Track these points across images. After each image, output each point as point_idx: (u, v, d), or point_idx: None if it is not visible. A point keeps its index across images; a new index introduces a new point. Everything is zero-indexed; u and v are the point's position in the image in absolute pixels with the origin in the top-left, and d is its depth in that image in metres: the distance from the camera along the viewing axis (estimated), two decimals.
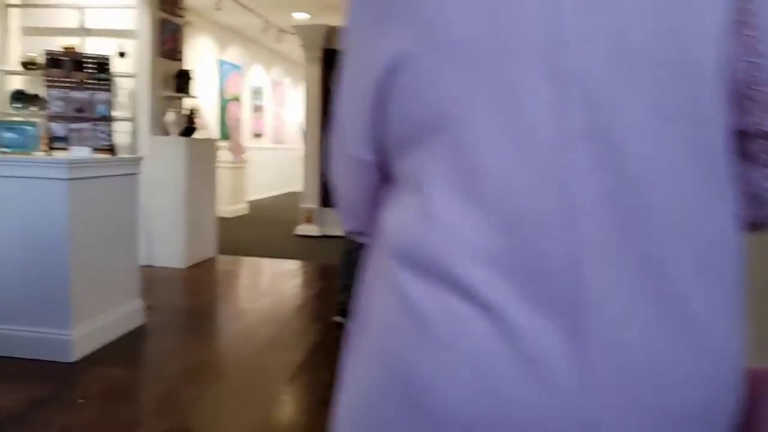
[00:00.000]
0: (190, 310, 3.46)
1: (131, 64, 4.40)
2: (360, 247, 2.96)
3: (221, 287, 4.20)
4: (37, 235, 2.45)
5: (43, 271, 2.46)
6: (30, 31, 4.36)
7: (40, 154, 2.61)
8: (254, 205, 9.13)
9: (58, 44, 3.88)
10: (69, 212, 2.43)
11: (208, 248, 4.95)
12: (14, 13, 4.37)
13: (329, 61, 6.45)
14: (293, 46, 10.46)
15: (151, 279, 4.10)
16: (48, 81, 2.68)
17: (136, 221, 2.99)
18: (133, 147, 4.41)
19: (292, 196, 12.00)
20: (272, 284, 4.31)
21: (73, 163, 2.44)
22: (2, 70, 4.30)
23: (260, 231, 6.89)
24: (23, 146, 2.55)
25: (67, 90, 2.71)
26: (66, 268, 2.45)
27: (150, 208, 4.47)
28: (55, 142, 2.66)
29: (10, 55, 4.29)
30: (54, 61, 2.69)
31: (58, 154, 2.65)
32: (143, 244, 4.35)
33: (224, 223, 6.99)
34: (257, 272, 4.66)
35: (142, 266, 4.44)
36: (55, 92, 2.68)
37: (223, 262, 4.93)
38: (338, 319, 3.18)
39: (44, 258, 2.45)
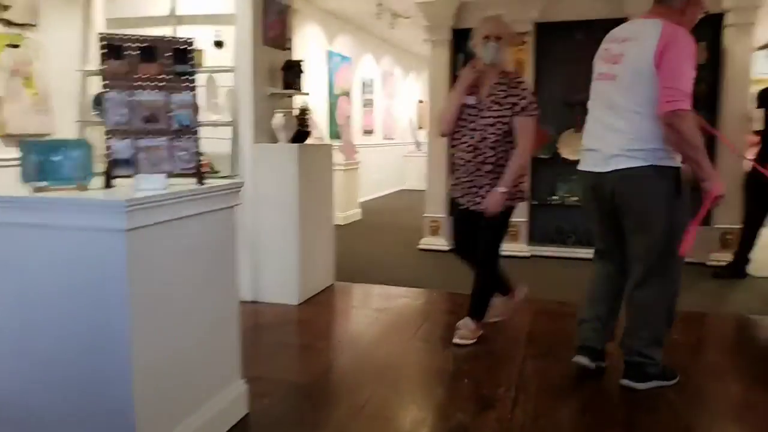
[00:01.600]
0: (310, 386, 2.52)
1: (229, 56, 3.57)
2: (622, 272, 2.48)
3: (348, 339, 3.26)
4: (83, 317, 1.59)
5: (95, 373, 1.59)
6: (115, 24, 3.66)
7: (93, 189, 1.76)
8: (367, 209, 8.24)
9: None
10: (128, 280, 1.55)
11: (324, 275, 4.06)
12: (98, 3, 3.69)
13: (458, 43, 5.32)
14: (407, 32, 9.43)
15: (256, 325, 3.25)
16: (107, 78, 1.82)
17: (234, 275, 2.08)
18: (233, 160, 3.59)
19: (403, 195, 11.04)
20: (415, 330, 3.30)
21: (134, 204, 1.55)
22: (84, 71, 3.65)
23: (379, 243, 5.94)
24: (68, 178, 1.70)
25: (132, 90, 1.84)
26: (126, 365, 1.57)
27: (256, 233, 3.63)
28: (116, 167, 1.80)
29: (93, 53, 3.62)
30: (113, 49, 1.82)
31: (121, 187, 1.78)
32: (247, 278, 3.53)
33: (338, 232, 6.14)
34: (390, 309, 3.67)
35: (245, 303, 3.63)
36: (114, 95, 1.82)
37: (344, 293, 4.01)
38: (583, 360, 2.51)
39: (94, 355, 1.58)
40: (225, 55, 3.62)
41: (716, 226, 4.67)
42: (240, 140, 3.58)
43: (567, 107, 5.09)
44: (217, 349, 2.00)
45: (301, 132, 3.74)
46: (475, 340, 2.96)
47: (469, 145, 2.84)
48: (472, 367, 2.70)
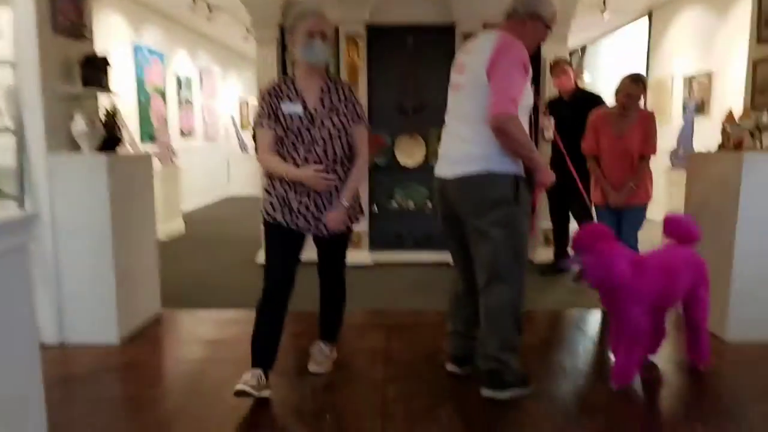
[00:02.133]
0: None
1: (6, 46, 2.86)
2: (470, 289, 2.51)
3: (184, 381, 2.78)
4: None
5: None
6: None
7: None
8: (191, 220, 7.55)
9: None
10: None
11: (149, 304, 3.50)
12: None
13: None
14: (226, 27, 8.83)
15: (66, 377, 2.63)
16: None
17: (30, 320, 1.57)
18: (20, 176, 2.88)
19: (230, 203, 10.40)
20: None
21: None
22: None
23: (210, 260, 5.39)
24: None
25: None
26: None
27: (58, 264, 2.97)
28: None
29: None
30: None
31: None
32: (48, 317, 2.90)
33: (161, 250, 5.45)
34: (229, 338, 3.25)
35: (50, 348, 2.98)
36: None
37: (174, 323, 3.49)
38: (451, 367, 2.69)
39: None
40: (2, 46, 2.89)
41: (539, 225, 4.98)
42: (28, 151, 2.88)
43: (400, 113, 5.09)
44: (10, 419, 1.48)
45: (110, 138, 3.15)
46: (330, 368, 2.72)
47: (309, 163, 2.39)
48: (332, 399, 2.45)
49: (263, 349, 2.45)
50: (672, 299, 2.61)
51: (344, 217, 2.46)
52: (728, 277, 3.08)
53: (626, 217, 3.50)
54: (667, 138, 6.46)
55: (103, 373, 2.73)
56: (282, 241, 2.45)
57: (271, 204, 2.45)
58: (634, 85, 3.33)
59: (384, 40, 5.05)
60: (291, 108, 2.38)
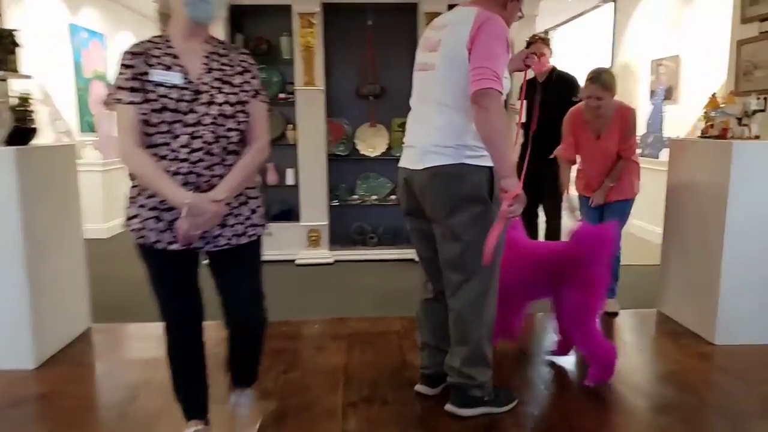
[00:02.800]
0: None
1: None
2: (440, 294, 2.25)
3: (113, 416, 2.38)
4: None
5: None
6: None
7: None
8: None
9: None
10: None
11: (75, 319, 3.07)
12: None
13: (238, 22, 4.60)
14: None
15: None
16: None
17: None
18: None
19: None
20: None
21: None
22: None
23: None
24: None
25: None
26: None
27: None
28: None
29: None
30: None
31: None
32: None
33: (99, 250, 4.97)
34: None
35: None
36: None
37: (106, 340, 3.07)
38: (421, 388, 2.39)
39: None
40: None
41: (303, 223, 4.63)
42: None
43: (361, 99, 4.75)
44: None
45: (21, 129, 2.70)
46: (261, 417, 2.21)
47: (192, 151, 1.69)
48: None
49: (192, 399, 1.98)
50: (530, 293, 2.57)
51: (211, 218, 1.69)
52: (717, 278, 2.85)
53: (608, 212, 3.26)
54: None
55: (12, 408, 2.31)
56: (168, 271, 1.82)
57: (140, 218, 1.74)
58: (593, 86, 3.03)
59: (342, 20, 4.68)
60: (165, 76, 1.69)
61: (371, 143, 4.81)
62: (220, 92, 1.72)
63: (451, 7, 4.01)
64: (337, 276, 4.33)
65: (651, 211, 5.80)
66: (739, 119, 2.89)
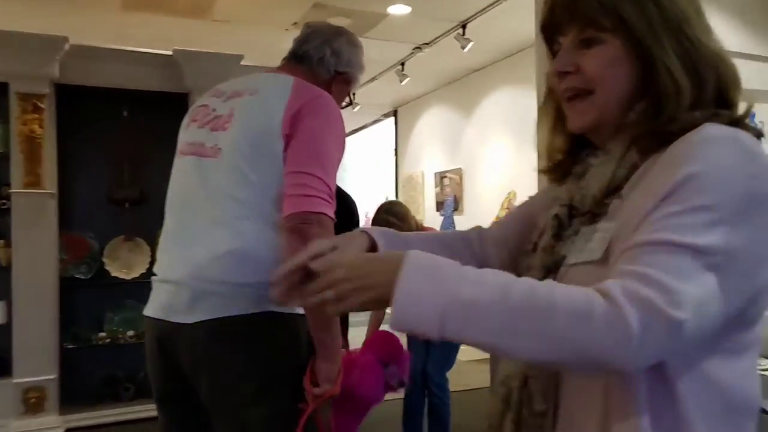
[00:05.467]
0: None
1: None
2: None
3: None
4: None
5: None
6: None
7: None
8: None
9: None
10: None
11: None
12: None
13: None
14: None
15: None
16: None
17: None
18: None
19: None
20: None
21: None
22: None
23: None
24: None
25: None
26: None
27: None
28: None
29: None
30: None
31: None
32: None
33: None
34: None
35: None
36: None
37: None
38: None
39: None
40: None
41: (17, 380, 3.32)
42: None
43: (113, 205, 3.72)
44: None
45: None
46: None
47: None
48: None
49: None
50: None
51: None
52: None
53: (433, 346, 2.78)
54: None
55: None
56: None
57: None
58: (390, 217, 2.93)
59: (85, 107, 3.69)
60: None
61: (126, 262, 3.73)
62: None
63: None
64: None
65: None
66: None
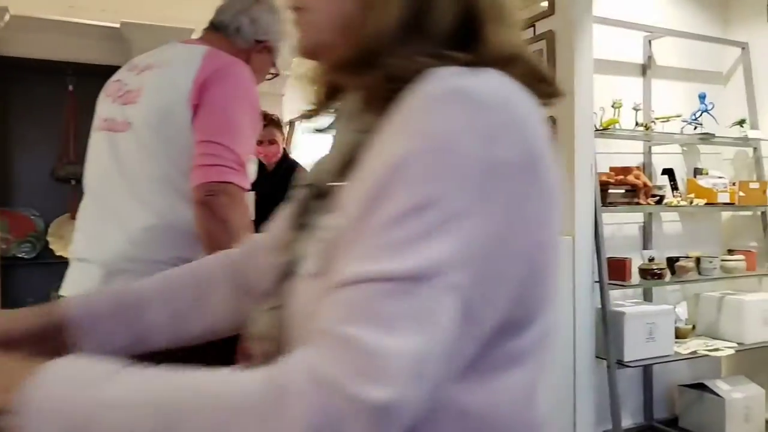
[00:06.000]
0: None
1: None
2: None
3: None
4: None
5: None
6: None
7: None
8: None
9: None
10: None
11: None
12: None
13: None
14: None
15: None
16: None
17: None
18: None
19: None
20: None
21: None
22: None
23: None
24: None
25: None
26: None
27: None
28: None
29: None
30: None
31: None
32: None
33: None
34: None
35: None
36: None
37: None
38: None
39: None
40: None
41: None
42: None
43: (58, 183, 3.58)
44: None
45: None
46: None
47: None
48: None
49: None
50: None
51: None
52: None
53: None
54: None
55: None
56: None
57: None
58: None
59: (28, 80, 3.53)
60: None
61: (72, 241, 3.60)
62: None
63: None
64: None
65: None
66: None
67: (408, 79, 0.52)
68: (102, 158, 1.35)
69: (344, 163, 0.59)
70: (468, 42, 0.56)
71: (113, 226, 1.27)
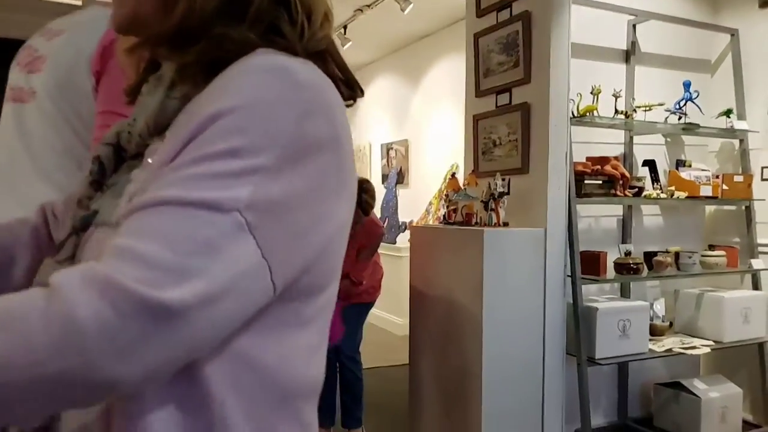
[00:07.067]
0: None
1: None
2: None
3: None
4: None
5: None
6: None
7: None
8: None
9: None
10: None
11: None
12: None
13: None
14: None
15: None
16: None
17: None
18: None
19: None
20: None
21: None
22: None
23: None
24: None
25: None
26: None
27: None
28: None
29: None
30: None
31: None
32: None
33: None
34: None
35: None
36: None
37: None
38: None
39: None
40: None
41: None
42: None
43: None
44: None
45: None
46: None
47: None
48: None
49: None
50: None
51: None
52: (479, 393, 2.31)
53: (345, 316, 2.68)
54: None
55: None
56: None
57: None
58: (362, 194, 3.04)
59: None
60: None
61: None
62: None
63: None
64: None
65: (392, 301, 5.44)
66: (485, 203, 2.50)
67: (234, 56, 0.55)
68: (7, 131, 1.23)
69: (156, 125, 0.62)
70: (282, 33, 0.59)
71: (14, 202, 1.15)
